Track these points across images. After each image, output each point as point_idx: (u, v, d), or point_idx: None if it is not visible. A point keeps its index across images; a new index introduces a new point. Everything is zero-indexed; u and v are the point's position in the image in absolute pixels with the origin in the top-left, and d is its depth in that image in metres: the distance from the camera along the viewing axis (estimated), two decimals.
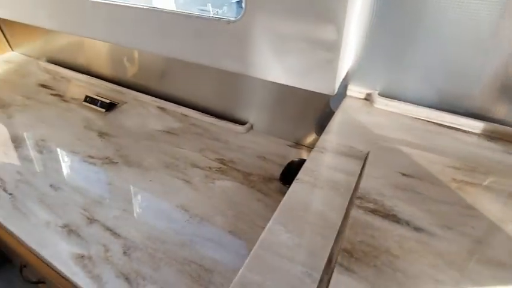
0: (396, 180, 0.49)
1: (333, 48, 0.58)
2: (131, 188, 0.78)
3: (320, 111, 0.80)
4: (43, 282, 0.91)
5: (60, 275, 0.77)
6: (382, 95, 0.65)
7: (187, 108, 1.04)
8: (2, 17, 1.32)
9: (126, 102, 1.12)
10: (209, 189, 0.76)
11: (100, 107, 1.08)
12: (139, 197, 0.76)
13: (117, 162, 0.85)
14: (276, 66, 0.66)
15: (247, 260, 0.40)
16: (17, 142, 0.96)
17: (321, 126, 0.67)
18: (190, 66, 1.00)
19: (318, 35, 0.58)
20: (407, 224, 0.43)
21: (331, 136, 0.60)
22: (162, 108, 1.07)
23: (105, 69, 1.27)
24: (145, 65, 1.13)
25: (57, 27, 1.09)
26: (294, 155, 0.86)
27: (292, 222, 0.45)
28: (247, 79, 0.88)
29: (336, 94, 0.65)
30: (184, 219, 0.69)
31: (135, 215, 0.71)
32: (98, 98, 1.12)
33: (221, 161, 0.84)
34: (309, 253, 0.41)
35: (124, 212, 0.71)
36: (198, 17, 0.75)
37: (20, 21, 1.21)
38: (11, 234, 0.78)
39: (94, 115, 1.06)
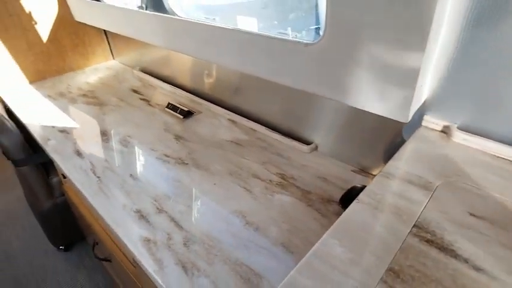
0: (462, 218, 0.48)
1: (411, 76, 0.60)
2: (197, 188, 0.87)
3: (390, 139, 0.80)
4: (109, 261, 1.05)
5: (125, 256, 0.89)
6: (461, 129, 0.64)
7: (255, 123, 1.13)
8: (111, 30, 1.61)
9: (201, 112, 1.26)
10: (268, 201, 0.81)
11: (179, 113, 1.24)
12: (203, 197, 0.84)
13: (187, 164, 0.96)
14: (348, 88, 0.69)
15: (299, 264, 0.43)
16: (107, 135, 1.15)
17: (390, 155, 0.67)
18: (262, 84, 1.09)
19: (396, 62, 0.60)
20: (465, 261, 0.42)
21: (400, 163, 0.60)
22: (232, 121, 1.18)
23: (186, 81, 1.44)
24: (221, 80, 1.26)
25: (156, 42, 1.29)
26: (357, 181, 0.86)
27: (348, 238, 0.47)
28: (316, 99, 0.93)
29: (409, 122, 0.66)
30: (242, 225, 0.74)
31: (197, 212, 0.79)
32: (178, 105, 1.28)
33: (282, 176, 0.89)
34: (361, 270, 0.42)
35: (188, 208, 0.80)
36: (277, 39, 0.84)
37: (126, 36, 1.47)
38: (93, 212, 0.92)
39: (173, 120, 1.22)
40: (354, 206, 0.52)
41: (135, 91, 1.51)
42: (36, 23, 1.68)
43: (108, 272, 1.32)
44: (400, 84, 0.62)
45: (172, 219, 0.77)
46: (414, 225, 0.47)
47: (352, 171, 0.90)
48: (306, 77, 0.78)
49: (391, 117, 0.66)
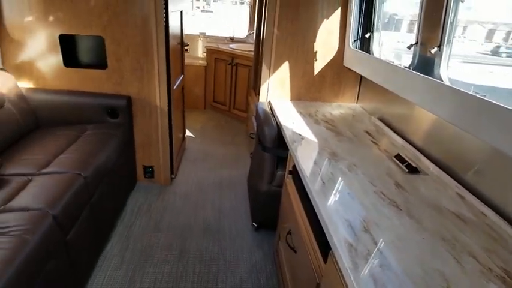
0: None
1: None
2: (404, 232, 0.93)
3: None
4: (295, 251, 1.27)
5: (314, 251, 1.06)
6: None
7: (488, 209, 1.05)
8: (371, 79, 1.91)
9: (427, 175, 1.29)
10: (479, 282, 0.77)
11: (405, 167, 1.32)
12: (408, 241, 0.89)
13: (401, 210, 1.04)
14: None
15: None
16: (337, 157, 1.39)
17: None
18: None
19: None
20: None
21: None
22: (461, 196, 1.15)
23: (420, 140, 1.51)
24: (462, 151, 1.25)
25: (413, 99, 1.45)
26: None
27: None
28: None
29: None
30: (440, 285, 0.75)
31: (399, 250, 0.86)
32: (406, 159, 1.37)
33: (506, 273, 0.81)
34: None
35: (392, 242, 0.88)
36: None
37: (384, 87, 1.72)
38: (303, 206, 1.16)
39: (397, 170, 1.32)
40: None
41: (367, 133, 1.72)
42: (316, 60, 2.23)
43: (279, 262, 1.56)
44: None
45: (375, 242, 0.87)
46: None
47: None
48: None
49: None
